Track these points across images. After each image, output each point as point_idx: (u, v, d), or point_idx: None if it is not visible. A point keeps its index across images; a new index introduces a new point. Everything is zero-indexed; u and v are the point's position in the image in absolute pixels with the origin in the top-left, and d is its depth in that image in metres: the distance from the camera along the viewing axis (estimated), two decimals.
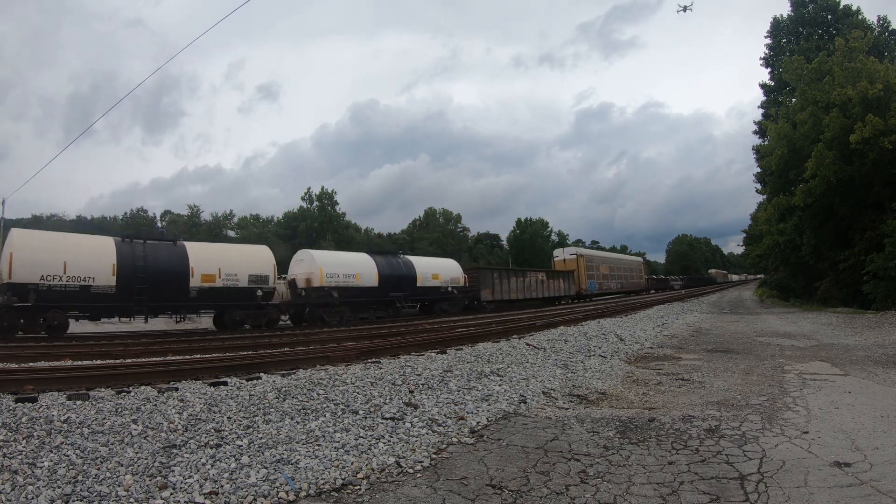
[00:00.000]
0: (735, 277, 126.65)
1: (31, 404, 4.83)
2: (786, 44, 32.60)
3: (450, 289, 25.50)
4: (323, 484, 3.40)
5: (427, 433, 4.46)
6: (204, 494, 3.13)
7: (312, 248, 25.70)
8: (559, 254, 43.37)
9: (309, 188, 69.24)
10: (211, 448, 3.86)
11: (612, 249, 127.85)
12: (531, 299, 32.83)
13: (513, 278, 31.91)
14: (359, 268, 21.38)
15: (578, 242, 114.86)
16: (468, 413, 5.14)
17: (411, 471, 3.69)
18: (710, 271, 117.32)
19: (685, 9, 10.60)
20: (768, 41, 33.79)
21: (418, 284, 23.70)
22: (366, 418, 4.80)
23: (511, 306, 30.07)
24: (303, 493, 3.28)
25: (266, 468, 3.53)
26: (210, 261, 17.13)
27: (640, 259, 61.31)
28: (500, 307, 28.81)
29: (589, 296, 40.11)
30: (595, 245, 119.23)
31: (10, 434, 3.92)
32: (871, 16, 66.77)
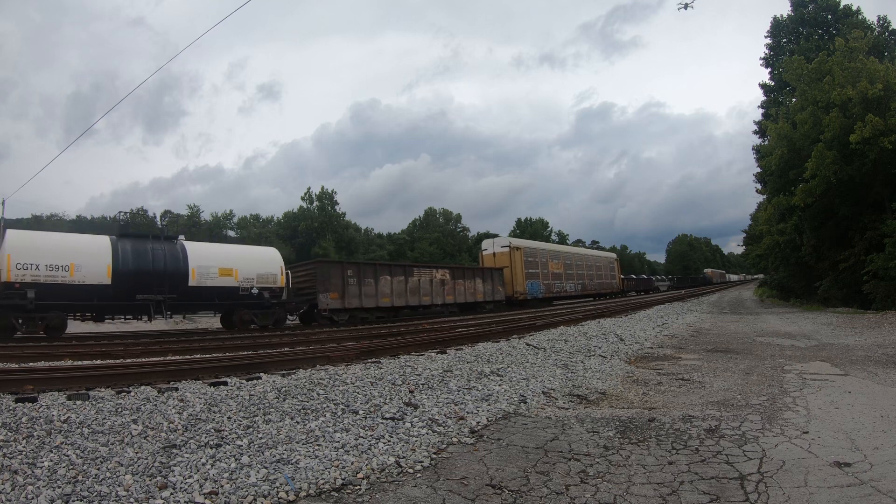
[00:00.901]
0: (734, 277, 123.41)
1: (31, 404, 4.83)
2: (786, 44, 32.61)
3: (255, 290, 17.66)
4: (323, 484, 3.40)
5: (427, 433, 4.46)
6: (204, 494, 3.13)
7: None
8: (488, 246, 32.94)
9: (309, 188, 69.32)
10: (211, 448, 3.86)
11: (612, 249, 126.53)
12: (423, 307, 23.48)
13: (384, 277, 21.59)
14: (76, 256, 14.51)
15: (578, 242, 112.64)
16: (468, 413, 5.14)
17: (411, 471, 3.69)
18: (705, 271, 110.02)
19: (686, 6, 10.56)
20: (768, 41, 33.82)
21: (191, 283, 16.52)
22: (366, 418, 4.80)
23: (387, 318, 21.30)
24: (303, 493, 3.28)
25: (266, 468, 3.53)
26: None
27: (611, 255, 51.32)
28: (364, 321, 20.05)
29: (529, 301, 30.77)
30: (595, 245, 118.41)
31: (10, 434, 3.92)
32: (871, 16, 66.85)
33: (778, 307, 27.31)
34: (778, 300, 33.75)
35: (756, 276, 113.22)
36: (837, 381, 6.63)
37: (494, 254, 31.60)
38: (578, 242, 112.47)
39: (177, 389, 5.76)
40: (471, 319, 18.82)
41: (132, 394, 5.47)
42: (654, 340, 12.19)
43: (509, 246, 31.42)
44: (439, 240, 71.70)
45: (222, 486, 3.24)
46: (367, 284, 20.75)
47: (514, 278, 30.28)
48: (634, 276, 65.80)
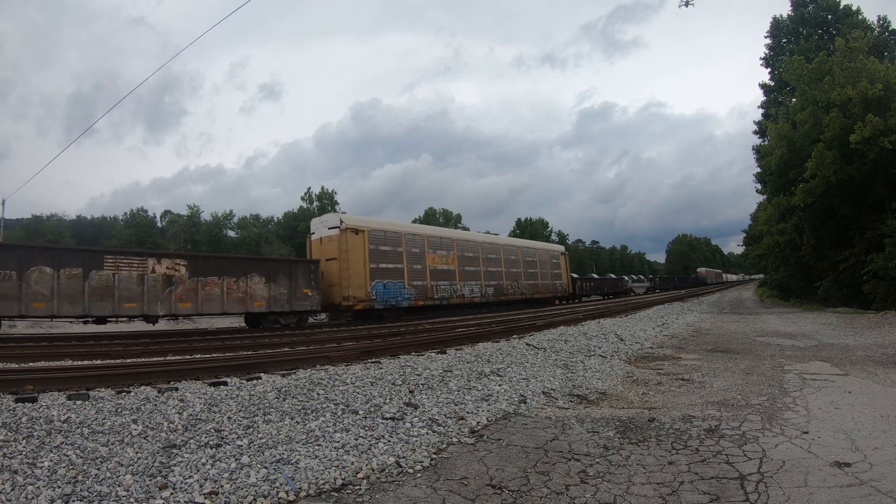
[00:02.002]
0: (732, 277, 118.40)
1: (31, 404, 4.84)
2: (786, 44, 32.59)
3: None
4: (323, 484, 3.40)
5: (427, 433, 4.46)
6: (204, 494, 3.13)
7: None
8: (316, 227, 20.95)
9: (309, 188, 69.45)
10: (211, 448, 3.86)
11: (612, 250, 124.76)
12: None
13: (40, 269, 12.74)
14: None
15: (578, 243, 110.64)
16: (468, 413, 5.14)
17: (411, 471, 3.69)
18: (698, 270, 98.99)
19: (686, 4, 10.54)
20: (768, 41, 33.80)
21: None
22: (366, 418, 4.80)
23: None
24: (303, 493, 3.28)
25: (266, 468, 3.53)
26: None
27: (555, 248, 37.97)
28: None
29: (380, 312, 19.96)
30: (595, 245, 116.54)
31: (10, 434, 3.92)
32: (871, 16, 66.92)
33: (778, 307, 27.31)
34: (778, 300, 33.74)
35: (754, 277, 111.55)
36: (837, 381, 6.63)
37: (321, 239, 20.03)
38: (578, 242, 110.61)
39: (177, 389, 5.76)
40: (471, 320, 18.70)
41: (132, 394, 5.47)
42: (654, 340, 12.19)
43: (339, 226, 19.23)
44: None
45: (222, 486, 3.24)
46: (6, 279, 12.31)
47: (349, 276, 18.75)
48: (596, 276, 54.81)
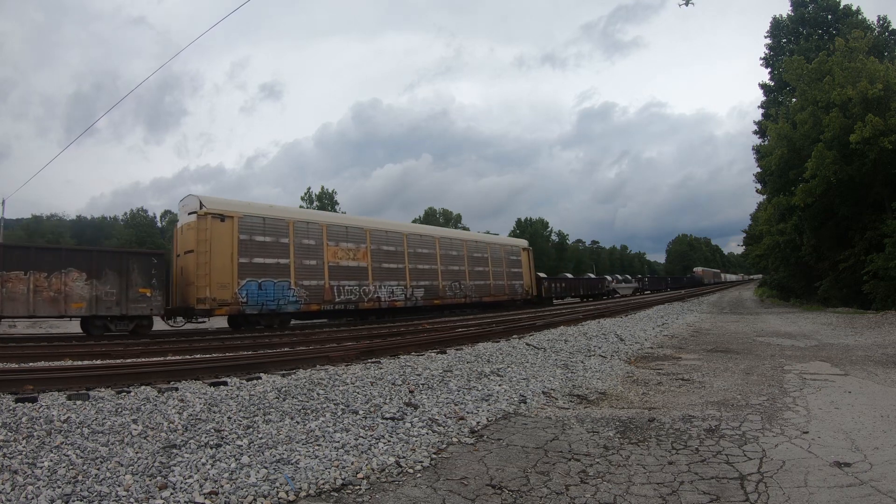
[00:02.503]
0: (732, 277, 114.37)
1: (31, 404, 4.84)
2: (786, 44, 32.59)
3: None
4: (323, 484, 3.40)
5: (427, 433, 4.46)
6: (204, 494, 3.13)
7: None
8: (179, 213, 17.68)
9: (309, 188, 69.39)
10: (211, 448, 3.86)
11: (612, 250, 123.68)
12: None
13: None
14: None
15: (578, 242, 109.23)
16: (468, 413, 5.14)
17: (411, 471, 3.69)
18: (694, 270, 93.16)
19: (686, 3, 10.55)
20: (768, 41, 33.79)
21: None
22: (366, 418, 4.80)
23: None
24: (303, 493, 3.28)
25: (266, 468, 3.53)
26: None
27: (515, 243, 32.37)
28: None
29: (250, 318, 16.46)
30: (595, 245, 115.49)
31: (10, 434, 3.92)
32: (871, 16, 66.93)
33: (778, 307, 27.30)
34: (778, 300, 33.73)
35: (753, 277, 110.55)
36: (837, 381, 6.63)
37: (182, 227, 16.71)
38: (578, 242, 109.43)
39: (177, 389, 5.76)
40: (471, 320, 18.73)
41: (132, 394, 5.47)
42: (654, 340, 12.19)
43: (197, 211, 15.61)
44: None
45: (222, 486, 3.24)
46: None
47: (209, 273, 15.27)
48: (570, 276, 49.40)
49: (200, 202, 15.97)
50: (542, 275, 37.16)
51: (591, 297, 41.63)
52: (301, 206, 63.66)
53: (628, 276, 61.79)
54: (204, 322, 16.68)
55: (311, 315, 19.00)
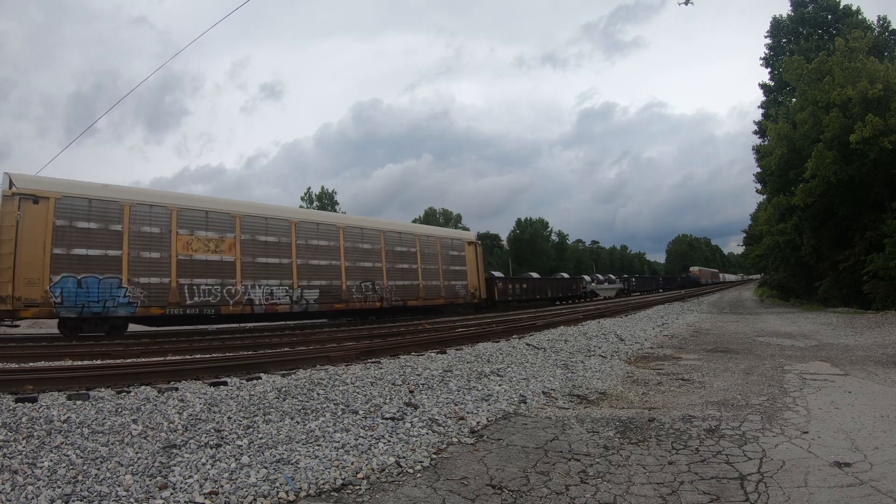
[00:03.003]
0: (731, 277, 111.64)
1: (31, 404, 4.83)
2: (786, 44, 32.61)
3: None
4: (323, 484, 3.40)
5: (427, 433, 4.46)
6: (204, 494, 3.13)
7: None
8: None
9: (309, 188, 69.29)
10: (211, 448, 3.86)
11: (612, 250, 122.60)
12: None
13: None
14: None
15: (578, 242, 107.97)
16: (468, 413, 5.14)
17: (411, 471, 3.69)
18: (690, 269, 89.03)
19: (686, 2, 10.56)
20: (768, 41, 33.81)
21: None
22: (366, 418, 4.80)
23: None
24: (303, 493, 3.28)
25: (266, 468, 3.53)
26: None
27: (458, 236, 27.19)
28: None
29: (65, 323, 13.50)
30: (595, 245, 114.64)
31: (10, 434, 3.92)
32: (871, 16, 66.92)
33: (778, 307, 27.31)
34: (778, 300, 33.74)
35: (752, 277, 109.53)
36: (837, 381, 6.63)
37: None
38: (578, 242, 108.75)
39: (177, 389, 5.75)
40: (471, 320, 18.73)
41: (132, 394, 5.46)
42: (654, 340, 12.19)
43: (4, 192, 13.21)
44: None
45: (222, 486, 3.24)
46: None
47: (12, 265, 12.65)
48: (535, 275, 42.27)
49: (10, 180, 13.21)
50: (496, 274, 33.25)
51: (562, 300, 35.30)
52: (302, 206, 59.22)
53: (612, 276, 56.84)
54: (17, 326, 13.87)
55: (154, 321, 15.19)
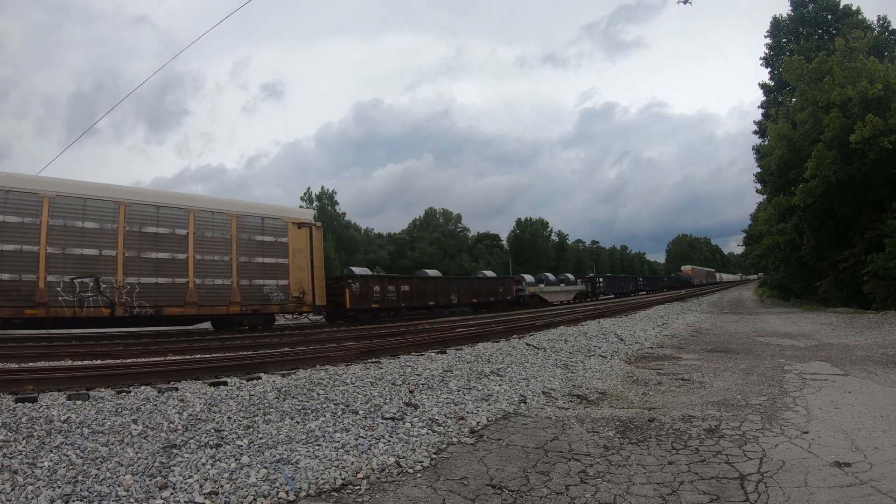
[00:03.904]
0: (729, 277, 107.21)
1: (31, 404, 4.84)
2: (786, 44, 32.58)
3: None
4: (323, 484, 3.40)
5: (427, 433, 4.46)
6: (204, 494, 3.13)
7: None
8: None
9: (309, 188, 69.25)
10: (211, 448, 3.86)
11: (612, 250, 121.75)
12: None
13: None
14: None
15: (578, 242, 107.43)
16: (468, 413, 5.14)
17: (411, 471, 3.69)
18: (682, 268, 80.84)
19: (685, 1, 10.55)
20: (768, 41, 33.79)
21: None
22: (366, 418, 4.80)
23: None
24: (303, 493, 3.28)
25: (266, 468, 3.53)
26: None
27: (278, 213, 18.10)
28: None
29: None
30: (595, 245, 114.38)
31: (10, 434, 3.92)
32: (871, 16, 66.81)
33: (778, 307, 27.30)
34: (778, 300, 33.72)
35: (751, 277, 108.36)
36: (837, 381, 6.63)
37: None
38: (579, 242, 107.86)
39: (177, 389, 5.76)
40: (471, 320, 18.76)
41: (132, 394, 5.47)
42: (654, 340, 12.19)
43: None
44: (439, 240, 71.61)
45: (222, 486, 3.24)
46: None
47: None
48: (429, 273, 29.25)
49: None
50: (358, 271, 23.44)
51: (484, 307, 28.00)
52: (302, 206, 59.88)
53: (569, 276, 42.91)
54: None
55: None
